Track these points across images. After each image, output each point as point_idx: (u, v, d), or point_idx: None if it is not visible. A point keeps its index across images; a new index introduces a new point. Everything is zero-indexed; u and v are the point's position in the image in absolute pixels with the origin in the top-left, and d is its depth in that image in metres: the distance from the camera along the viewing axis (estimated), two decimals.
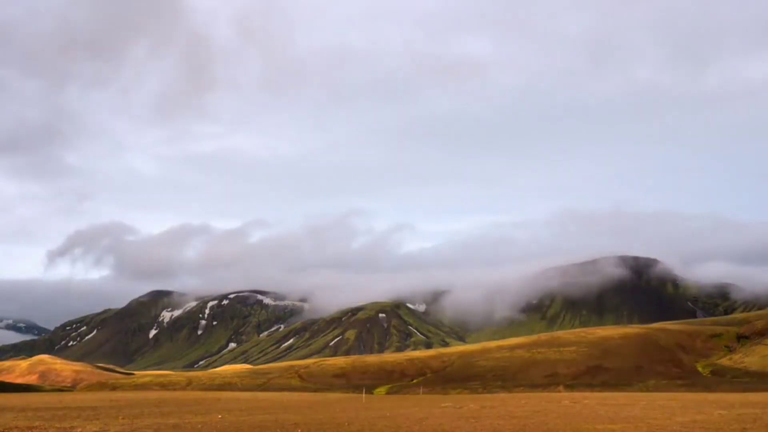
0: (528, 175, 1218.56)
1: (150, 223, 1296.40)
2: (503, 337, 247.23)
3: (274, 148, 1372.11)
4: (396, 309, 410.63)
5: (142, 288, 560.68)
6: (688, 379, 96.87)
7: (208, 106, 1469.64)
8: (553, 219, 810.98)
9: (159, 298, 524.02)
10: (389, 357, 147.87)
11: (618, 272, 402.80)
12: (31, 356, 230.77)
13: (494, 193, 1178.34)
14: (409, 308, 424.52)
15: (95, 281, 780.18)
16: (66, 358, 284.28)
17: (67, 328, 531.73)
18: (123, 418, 40.44)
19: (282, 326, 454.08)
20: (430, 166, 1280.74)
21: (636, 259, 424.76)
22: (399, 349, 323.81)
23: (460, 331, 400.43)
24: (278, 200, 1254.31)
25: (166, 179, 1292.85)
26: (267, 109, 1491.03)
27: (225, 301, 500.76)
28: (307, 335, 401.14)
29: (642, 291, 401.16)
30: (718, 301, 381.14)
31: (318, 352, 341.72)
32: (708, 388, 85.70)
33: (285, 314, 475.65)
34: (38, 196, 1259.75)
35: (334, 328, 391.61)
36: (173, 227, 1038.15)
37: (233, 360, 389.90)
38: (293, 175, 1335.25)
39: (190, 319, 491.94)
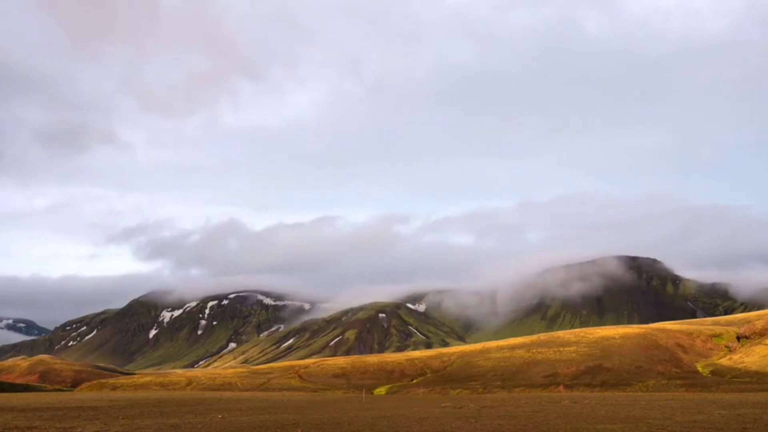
0: (530, 158, 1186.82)
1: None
2: (503, 337, 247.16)
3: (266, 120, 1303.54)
4: (396, 309, 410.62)
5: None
6: (688, 379, 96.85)
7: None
8: (556, 208, 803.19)
9: (159, 298, 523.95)
10: (389, 357, 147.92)
11: (618, 272, 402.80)
12: (31, 356, 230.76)
13: (496, 176, 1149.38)
14: (409, 308, 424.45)
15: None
16: (66, 358, 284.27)
17: (67, 328, 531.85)
18: (123, 418, 40.43)
19: (282, 326, 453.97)
20: (436, 140, 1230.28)
21: (636, 259, 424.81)
22: (399, 349, 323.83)
23: (460, 331, 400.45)
24: (277, 185, 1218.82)
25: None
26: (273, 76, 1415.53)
27: (225, 301, 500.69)
28: (307, 335, 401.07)
29: (642, 291, 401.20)
30: (718, 301, 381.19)
31: (318, 352, 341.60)
32: (708, 388, 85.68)
33: (285, 314, 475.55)
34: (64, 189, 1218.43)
35: (334, 328, 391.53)
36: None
37: (233, 360, 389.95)
38: (292, 153, 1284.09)
39: (190, 319, 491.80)
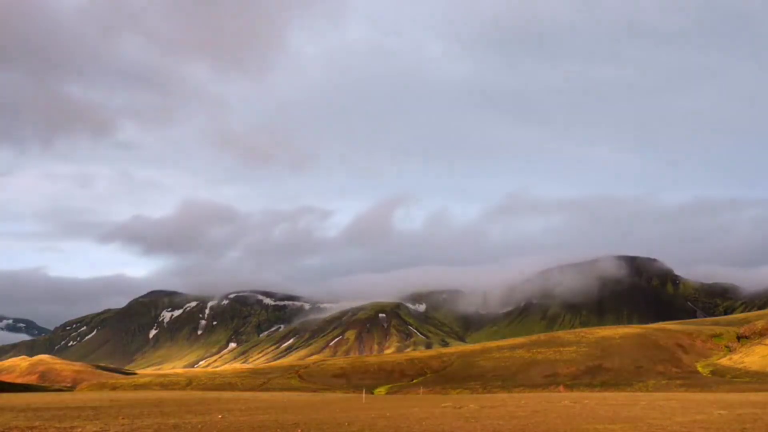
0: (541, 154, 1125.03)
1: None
2: (503, 337, 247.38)
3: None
4: (396, 309, 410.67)
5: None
6: (688, 379, 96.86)
7: None
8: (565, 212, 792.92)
9: (159, 298, 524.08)
10: (389, 357, 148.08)
11: (618, 272, 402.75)
12: (31, 356, 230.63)
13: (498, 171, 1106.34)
14: (409, 308, 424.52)
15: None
16: (66, 358, 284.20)
17: (67, 328, 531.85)
18: (123, 418, 40.43)
19: (282, 326, 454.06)
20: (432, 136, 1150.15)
21: (636, 259, 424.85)
22: (399, 349, 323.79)
23: (460, 331, 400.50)
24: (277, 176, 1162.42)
25: None
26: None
27: (225, 301, 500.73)
28: (307, 335, 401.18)
29: (642, 291, 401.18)
30: (718, 301, 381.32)
31: (318, 352, 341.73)
32: (708, 388, 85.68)
33: (285, 314, 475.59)
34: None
35: (334, 328, 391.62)
36: None
37: (233, 360, 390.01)
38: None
39: (190, 319, 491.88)
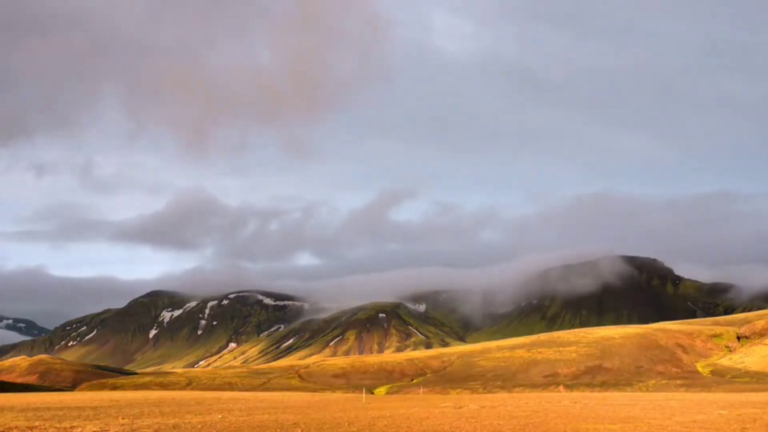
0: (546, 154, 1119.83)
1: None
2: (503, 337, 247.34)
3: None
4: (396, 309, 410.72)
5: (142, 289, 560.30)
6: (688, 379, 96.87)
7: None
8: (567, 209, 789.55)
9: (159, 298, 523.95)
10: (389, 357, 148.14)
11: (618, 272, 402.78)
12: (31, 356, 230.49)
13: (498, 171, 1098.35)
14: (409, 308, 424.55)
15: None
16: (66, 358, 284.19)
17: (67, 328, 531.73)
18: (123, 418, 40.42)
19: (282, 326, 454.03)
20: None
21: (636, 259, 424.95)
22: (399, 349, 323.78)
23: (460, 331, 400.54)
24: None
25: None
26: None
27: (225, 301, 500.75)
28: (307, 335, 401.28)
29: (642, 291, 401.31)
30: (718, 301, 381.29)
31: (318, 352, 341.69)
32: (708, 388, 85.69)
33: (285, 314, 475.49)
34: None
35: (334, 328, 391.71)
36: None
37: (233, 360, 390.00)
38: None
39: (190, 319, 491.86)
